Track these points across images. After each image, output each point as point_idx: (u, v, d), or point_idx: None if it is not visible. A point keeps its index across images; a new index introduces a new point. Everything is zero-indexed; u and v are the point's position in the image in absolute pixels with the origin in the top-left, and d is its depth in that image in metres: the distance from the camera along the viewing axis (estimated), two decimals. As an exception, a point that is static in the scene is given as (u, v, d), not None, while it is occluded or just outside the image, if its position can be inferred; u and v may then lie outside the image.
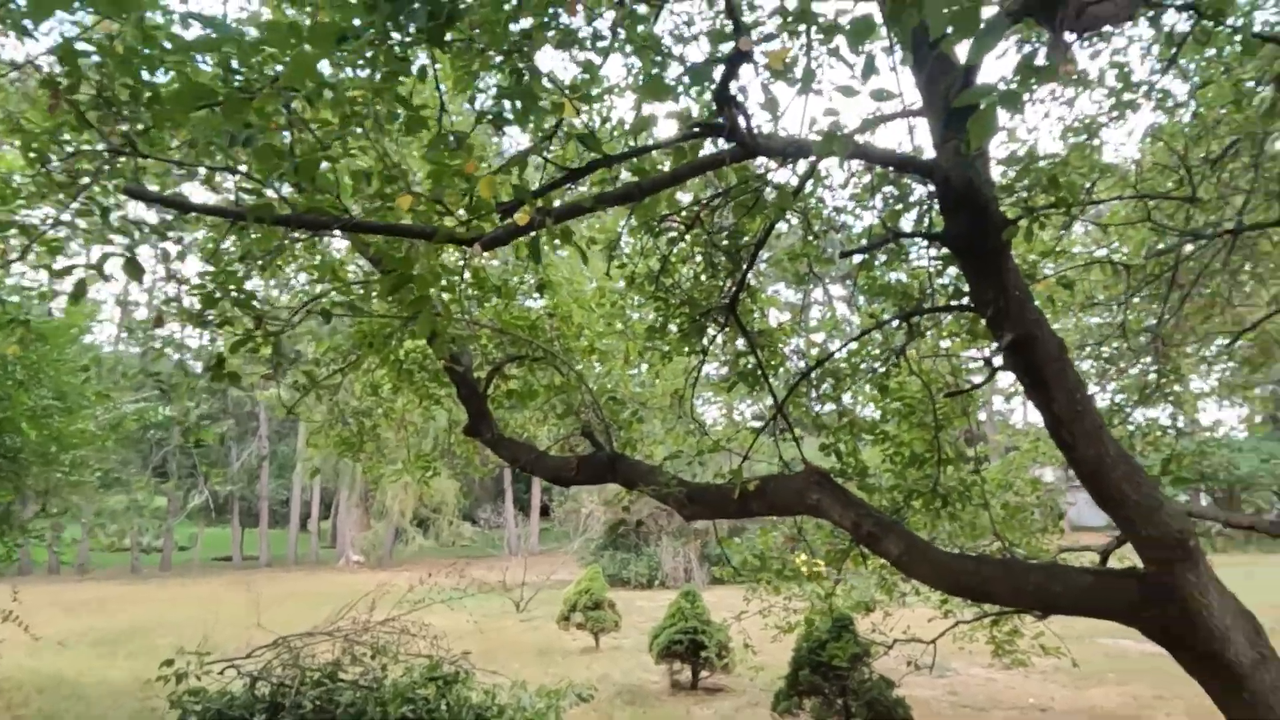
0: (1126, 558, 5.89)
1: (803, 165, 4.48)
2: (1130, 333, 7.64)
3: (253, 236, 3.66)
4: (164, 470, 42.16)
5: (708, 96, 2.81)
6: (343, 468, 37.11)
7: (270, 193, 2.88)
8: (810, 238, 4.97)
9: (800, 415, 5.63)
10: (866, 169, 4.74)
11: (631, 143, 3.37)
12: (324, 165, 2.81)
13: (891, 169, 4.18)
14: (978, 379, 5.39)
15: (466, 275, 5.53)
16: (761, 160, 4.61)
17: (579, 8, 2.75)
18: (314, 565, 42.07)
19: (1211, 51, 5.07)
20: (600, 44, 3.67)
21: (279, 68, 2.60)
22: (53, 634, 17.14)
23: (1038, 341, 3.90)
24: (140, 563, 41.26)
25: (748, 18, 3.08)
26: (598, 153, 2.85)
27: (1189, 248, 6.80)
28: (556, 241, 4.66)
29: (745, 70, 2.94)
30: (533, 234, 2.72)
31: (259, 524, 45.20)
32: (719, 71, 2.65)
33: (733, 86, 2.71)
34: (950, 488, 5.32)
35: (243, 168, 3.00)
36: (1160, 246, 5.78)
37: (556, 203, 3.12)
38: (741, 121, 2.80)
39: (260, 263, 3.97)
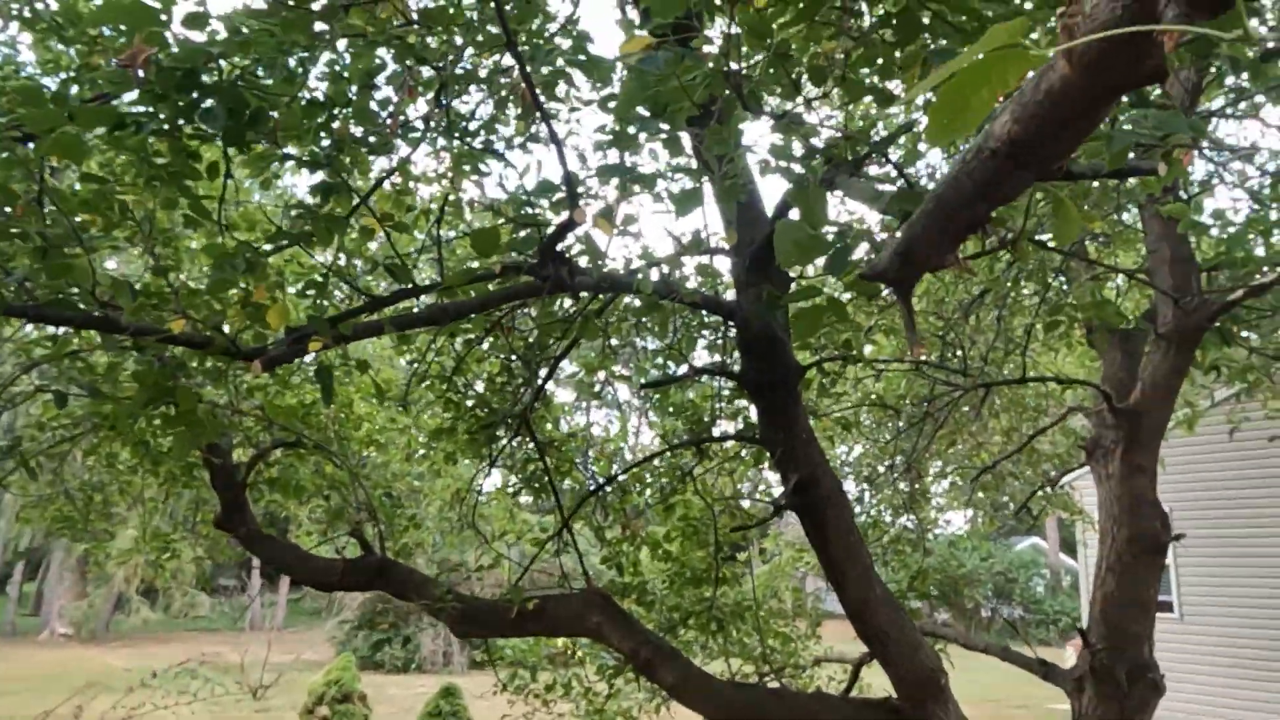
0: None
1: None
2: (889, 456, 8.25)
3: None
4: None
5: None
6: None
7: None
8: (609, 353, 4.97)
9: (586, 523, 5.55)
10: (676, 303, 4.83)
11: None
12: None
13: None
14: (759, 504, 5.57)
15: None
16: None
17: (398, 121, 2.59)
18: (10, 635, 36.42)
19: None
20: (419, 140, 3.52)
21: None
22: None
23: (819, 484, 4.07)
24: None
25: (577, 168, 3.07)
26: (405, 283, 2.67)
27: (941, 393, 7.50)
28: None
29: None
30: (319, 360, 2.47)
31: (-58, 586, 38.76)
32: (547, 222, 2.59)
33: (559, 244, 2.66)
34: (725, 609, 5.40)
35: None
36: (921, 391, 6.32)
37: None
38: (568, 274, 2.74)
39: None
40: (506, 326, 4.78)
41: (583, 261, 2.78)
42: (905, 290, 1.35)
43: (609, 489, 5.31)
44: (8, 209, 2.19)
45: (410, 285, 2.66)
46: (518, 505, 6.21)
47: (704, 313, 4.54)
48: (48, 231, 2.27)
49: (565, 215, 2.42)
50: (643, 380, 4.48)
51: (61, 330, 4.22)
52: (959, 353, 5.91)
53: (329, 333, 2.41)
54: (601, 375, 5.22)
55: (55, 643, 33.61)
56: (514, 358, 4.86)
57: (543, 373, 4.79)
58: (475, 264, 3.01)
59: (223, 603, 39.30)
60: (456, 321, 4.74)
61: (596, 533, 5.85)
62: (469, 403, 5.05)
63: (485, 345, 4.95)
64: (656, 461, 5.48)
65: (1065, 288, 6.09)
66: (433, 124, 2.81)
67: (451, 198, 3.51)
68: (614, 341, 4.90)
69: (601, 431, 5.71)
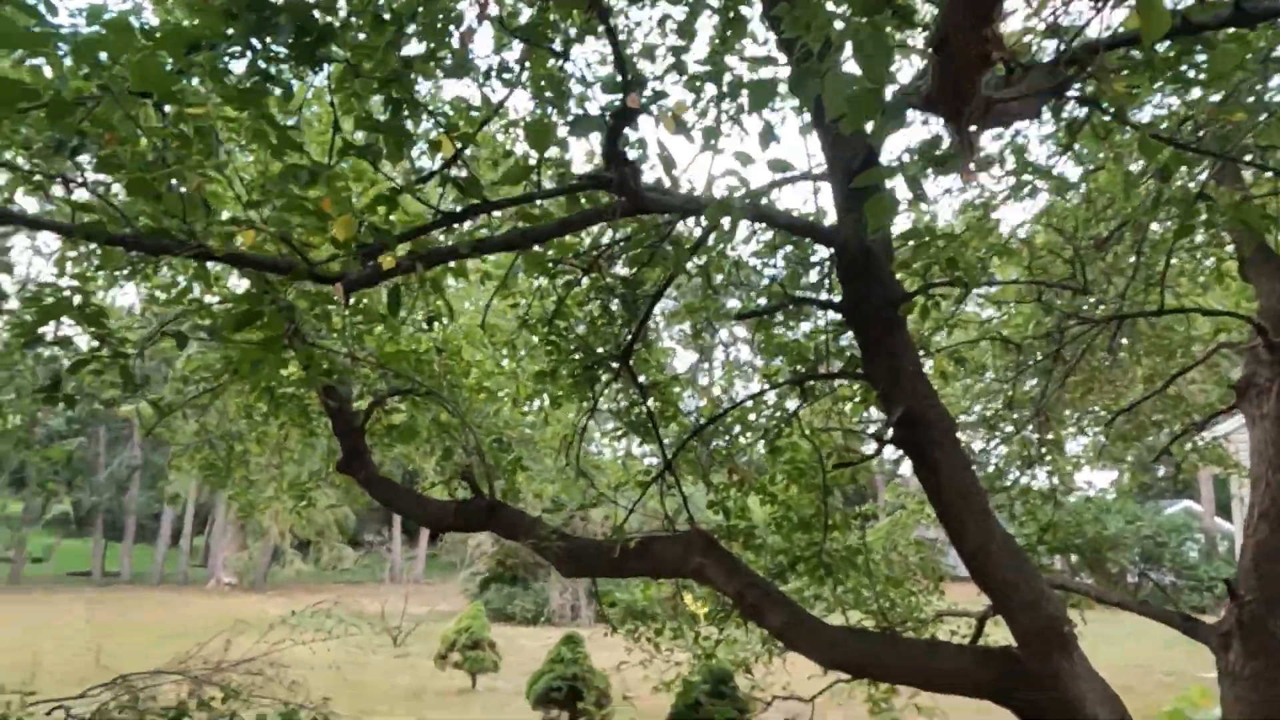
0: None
1: (705, 219, 4.37)
2: (1016, 403, 7.80)
3: (96, 253, 3.28)
4: (21, 475, 39.25)
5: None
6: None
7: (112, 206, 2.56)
8: (710, 292, 4.85)
9: (690, 470, 5.48)
10: (770, 226, 4.65)
11: (525, 187, 3.18)
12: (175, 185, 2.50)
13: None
14: (870, 447, 5.35)
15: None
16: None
17: (473, 39, 2.54)
18: (181, 585, 39.75)
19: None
20: (505, 76, 3.48)
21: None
22: None
23: (927, 420, 3.84)
24: (-14, 573, 38.21)
25: (647, 68, 2.94)
26: (476, 198, 2.63)
27: (1075, 329, 7.00)
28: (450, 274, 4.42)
29: (647, 122, 2.78)
30: (396, 280, 2.47)
31: (124, 538, 42.58)
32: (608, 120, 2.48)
33: (623, 141, 2.55)
34: (835, 554, 5.24)
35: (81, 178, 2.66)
36: (1047, 326, 5.89)
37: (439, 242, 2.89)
38: (632, 177, 2.64)
39: (104, 279, 3.57)
40: (604, 265, 4.73)
41: (656, 176, 2.68)
42: (955, 113, 1.19)
43: (712, 431, 5.21)
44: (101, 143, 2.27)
45: (481, 200, 2.63)
46: (629, 454, 6.20)
47: (808, 243, 4.36)
48: (142, 161, 2.35)
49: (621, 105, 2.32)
50: (736, 313, 4.34)
51: (181, 279, 4.42)
52: (1090, 288, 5.46)
53: (396, 247, 2.41)
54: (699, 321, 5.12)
55: (220, 591, 36.45)
56: (613, 297, 4.80)
57: (641, 315, 4.71)
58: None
59: (365, 555, 41.52)
60: (556, 264, 4.75)
61: (704, 478, 5.78)
62: (571, 346, 5.04)
63: (584, 284, 4.92)
64: (762, 404, 5.33)
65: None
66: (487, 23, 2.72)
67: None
68: (718, 278, 4.77)
69: (706, 376, 5.58)
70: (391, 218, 2.63)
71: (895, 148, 5.78)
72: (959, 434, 4.21)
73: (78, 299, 3.66)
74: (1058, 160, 4.86)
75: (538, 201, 3.09)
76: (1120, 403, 8.90)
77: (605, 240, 4.54)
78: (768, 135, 2.07)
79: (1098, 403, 8.63)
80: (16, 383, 7.07)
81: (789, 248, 4.42)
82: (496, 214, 3.05)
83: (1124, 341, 7.71)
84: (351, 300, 5.46)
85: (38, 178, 2.94)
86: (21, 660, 9.90)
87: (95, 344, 3.95)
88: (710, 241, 4.30)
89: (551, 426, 6.24)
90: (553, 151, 2.93)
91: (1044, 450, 7.61)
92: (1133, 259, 6.39)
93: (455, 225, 2.85)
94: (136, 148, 2.20)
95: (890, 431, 3.72)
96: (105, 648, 9.71)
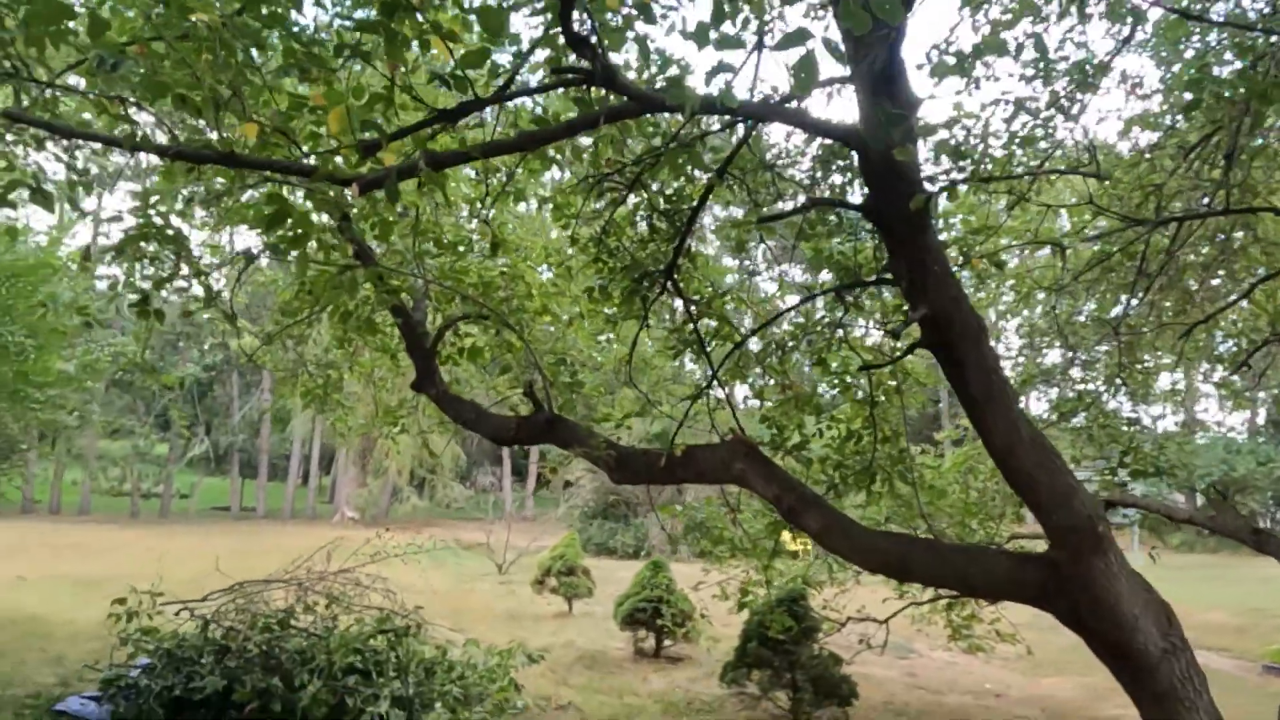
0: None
1: (740, 129, 4.43)
2: (1096, 321, 7.55)
3: (175, 172, 3.61)
4: (165, 418, 42.50)
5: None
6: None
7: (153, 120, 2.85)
8: (752, 203, 4.91)
9: (738, 382, 5.61)
10: (809, 138, 4.67)
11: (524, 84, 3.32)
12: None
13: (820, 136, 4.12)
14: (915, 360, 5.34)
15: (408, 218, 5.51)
16: (703, 123, 4.57)
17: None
18: (310, 519, 42.45)
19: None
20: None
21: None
22: (36, 574, 17.38)
23: (954, 320, 3.85)
24: (139, 508, 41.65)
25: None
26: (462, 93, 2.79)
27: (1159, 237, 6.71)
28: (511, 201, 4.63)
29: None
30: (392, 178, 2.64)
31: (258, 476, 45.60)
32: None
33: (582, 27, 2.66)
34: (881, 465, 5.29)
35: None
36: (1116, 230, 5.65)
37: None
38: (603, 68, 2.73)
39: (187, 203, 3.93)
40: (646, 181, 4.85)
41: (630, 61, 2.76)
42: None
43: (762, 347, 5.31)
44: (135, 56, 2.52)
45: (475, 97, 2.78)
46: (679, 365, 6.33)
47: (838, 147, 4.36)
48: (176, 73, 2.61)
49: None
50: (759, 217, 4.38)
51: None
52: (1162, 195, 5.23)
53: (385, 140, 2.61)
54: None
55: (343, 525, 38.73)
56: (657, 214, 4.92)
57: (683, 229, 4.82)
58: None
59: (475, 494, 43.28)
60: (599, 181, 4.91)
61: (758, 394, 5.90)
62: (621, 265, 5.20)
63: (631, 202, 5.06)
64: (809, 313, 5.37)
65: None
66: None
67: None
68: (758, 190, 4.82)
69: (756, 292, 5.64)
70: (389, 116, 2.81)
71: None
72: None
73: (158, 220, 4.04)
74: (1119, 54, 4.64)
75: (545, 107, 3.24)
76: (1222, 324, 8.50)
77: (647, 156, 4.64)
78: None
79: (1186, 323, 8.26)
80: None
81: (815, 152, 4.42)
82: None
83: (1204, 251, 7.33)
84: (409, 216, 5.78)
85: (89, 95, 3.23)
86: (169, 576, 10.88)
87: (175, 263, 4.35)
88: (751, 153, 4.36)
89: (619, 347, 6.45)
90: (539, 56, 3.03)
91: (1123, 373, 7.37)
92: (1222, 166, 6.08)
93: (454, 125, 3.03)
94: (162, 57, 2.45)
95: (912, 333, 3.75)
96: (236, 567, 10.61)
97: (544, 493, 47.84)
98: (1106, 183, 5.40)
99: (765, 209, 4.82)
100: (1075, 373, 8.20)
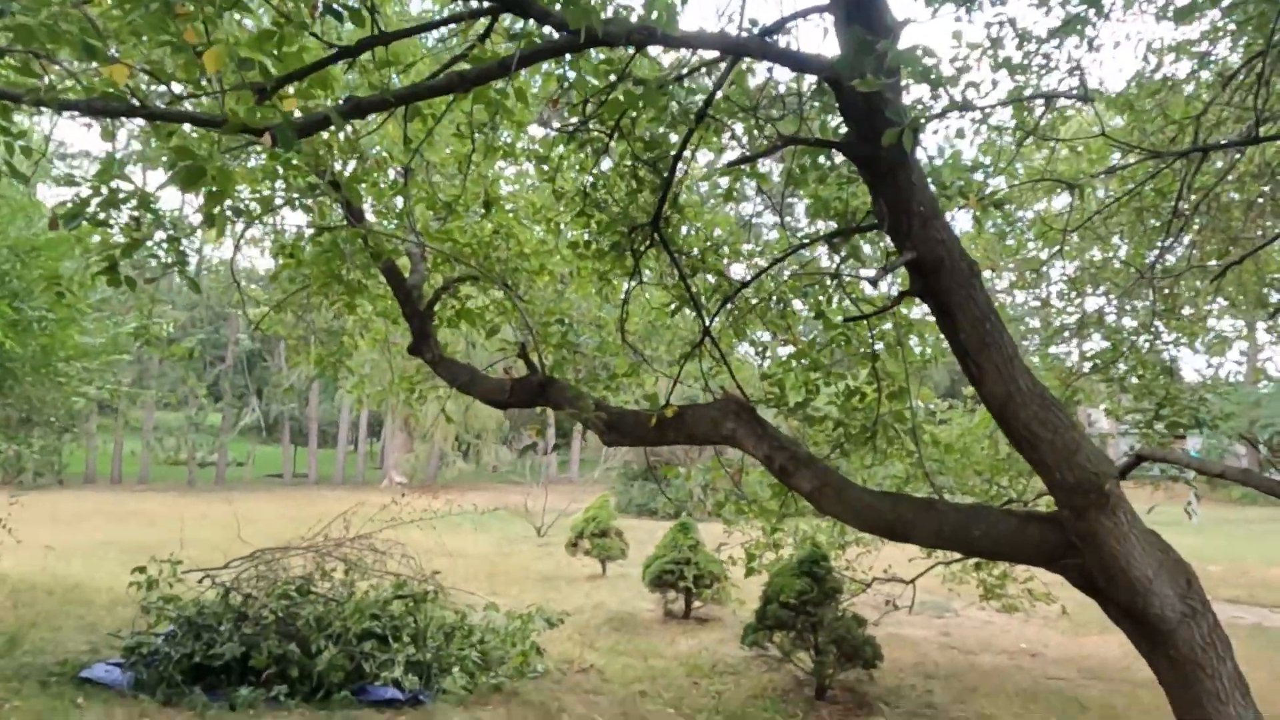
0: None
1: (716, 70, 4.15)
2: (1132, 266, 7.14)
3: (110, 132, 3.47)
4: (217, 390, 43.52)
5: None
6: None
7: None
8: (741, 148, 4.64)
9: (738, 336, 5.38)
10: (796, 78, 4.36)
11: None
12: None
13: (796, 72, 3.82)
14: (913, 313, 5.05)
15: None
16: (674, 62, 4.30)
17: None
18: (359, 485, 43.27)
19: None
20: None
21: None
22: (87, 541, 17.93)
23: (942, 264, 3.57)
24: (196, 477, 42.83)
25: None
26: (360, 26, 2.58)
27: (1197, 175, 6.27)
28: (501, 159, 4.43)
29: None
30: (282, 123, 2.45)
31: (308, 443, 46.55)
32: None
33: None
34: (886, 423, 5.03)
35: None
36: (1131, 164, 5.26)
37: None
38: None
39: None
40: (627, 129, 4.61)
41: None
42: None
43: (760, 299, 5.07)
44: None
45: (377, 33, 2.57)
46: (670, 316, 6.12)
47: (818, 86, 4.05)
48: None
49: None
50: (729, 164, 4.12)
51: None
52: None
53: (269, 80, 2.41)
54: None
55: (392, 489, 39.42)
56: (640, 163, 4.69)
57: (667, 177, 4.57)
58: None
59: (518, 459, 43.64)
60: (578, 128, 4.67)
61: (760, 352, 5.67)
62: (606, 218, 4.98)
63: (614, 152, 4.82)
64: (800, 262, 5.11)
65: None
66: None
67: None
68: (738, 130, 4.54)
69: (750, 242, 5.37)
70: (282, 53, 2.61)
71: None
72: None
73: (129, 186, 3.92)
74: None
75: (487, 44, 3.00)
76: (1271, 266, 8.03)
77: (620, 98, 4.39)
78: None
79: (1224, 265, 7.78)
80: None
81: (783, 88, 4.13)
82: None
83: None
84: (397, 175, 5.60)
85: None
86: (219, 542, 11.05)
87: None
88: (719, 95, 4.08)
89: (612, 301, 6.25)
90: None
91: (1161, 317, 6.96)
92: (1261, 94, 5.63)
93: (354, 60, 2.83)
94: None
95: (892, 279, 3.48)
96: (283, 531, 10.66)
97: (589, 455, 48.09)
98: (1130, 118, 4.99)
99: (754, 151, 4.53)
100: (1110, 319, 7.80)
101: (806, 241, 4.50)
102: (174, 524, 22.48)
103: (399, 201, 6.23)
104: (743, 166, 4.61)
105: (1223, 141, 4.65)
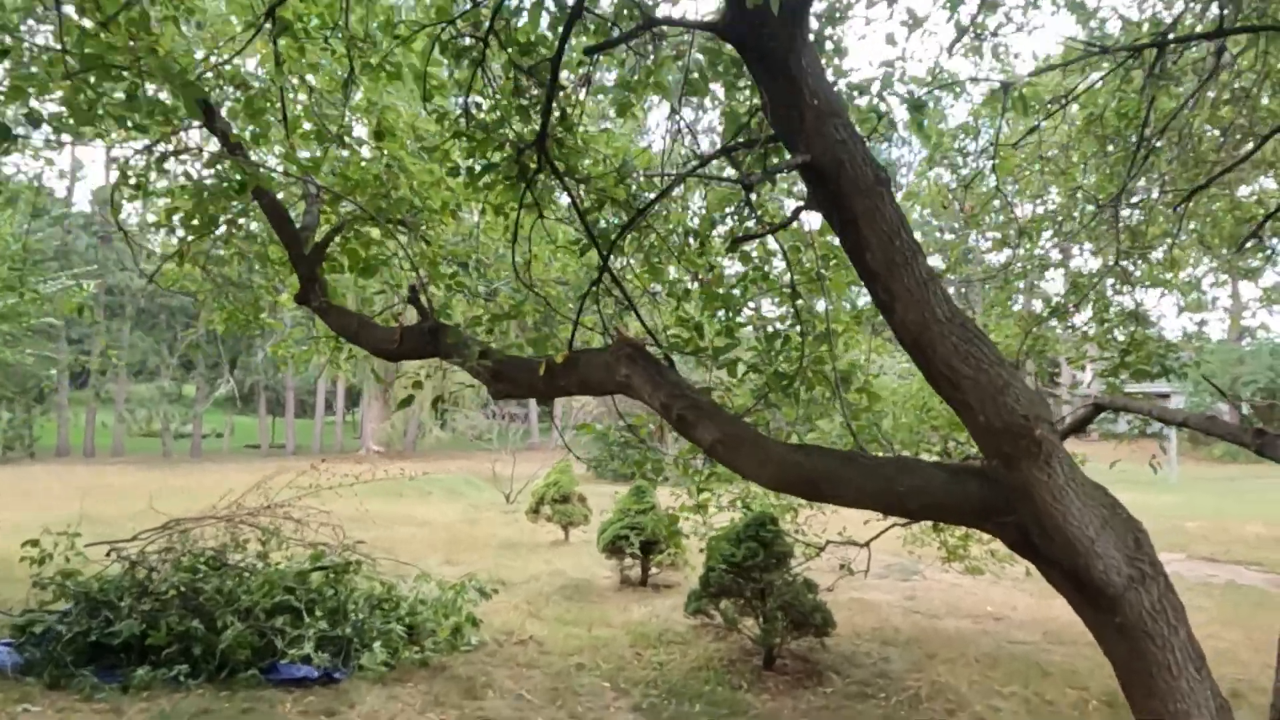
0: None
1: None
2: (1099, 198, 6.59)
3: None
4: (187, 360, 42.73)
5: None
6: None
7: None
8: (636, 55, 4.03)
9: (653, 276, 4.81)
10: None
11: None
12: None
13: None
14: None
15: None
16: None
17: None
18: (338, 453, 42.74)
19: None
20: None
21: None
22: (34, 518, 17.35)
23: (843, 168, 3.00)
24: (171, 448, 42.23)
25: None
26: None
27: (1165, 99, 5.70)
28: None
29: None
30: None
31: (285, 413, 45.96)
32: None
33: None
34: (812, 369, 4.48)
35: None
36: (1079, 59, 4.65)
37: None
38: None
39: None
40: (501, 31, 4.01)
41: None
42: None
43: (665, 228, 4.49)
44: None
45: None
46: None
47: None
48: None
49: None
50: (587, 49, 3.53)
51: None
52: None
53: None
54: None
55: (369, 458, 38.87)
56: (520, 73, 4.08)
57: (549, 86, 3.96)
58: None
59: (502, 426, 43.17)
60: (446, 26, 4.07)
61: (679, 293, 5.11)
62: (486, 136, 4.37)
63: (492, 61, 4.22)
64: (731, 198, 4.53)
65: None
66: None
67: None
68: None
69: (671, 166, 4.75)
70: None
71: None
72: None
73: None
74: None
75: None
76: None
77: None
78: None
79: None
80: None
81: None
82: None
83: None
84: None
85: None
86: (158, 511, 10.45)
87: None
88: None
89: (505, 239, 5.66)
90: None
91: (1126, 256, 6.42)
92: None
93: None
94: None
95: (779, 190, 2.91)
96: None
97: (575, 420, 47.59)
98: (1080, 18, 4.40)
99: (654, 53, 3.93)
100: (1075, 264, 7.27)
101: (705, 158, 3.90)
102: (136, 497, 21.93)
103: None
104: (611, 52, 4.01)
105: (1181, 36, 4.06)
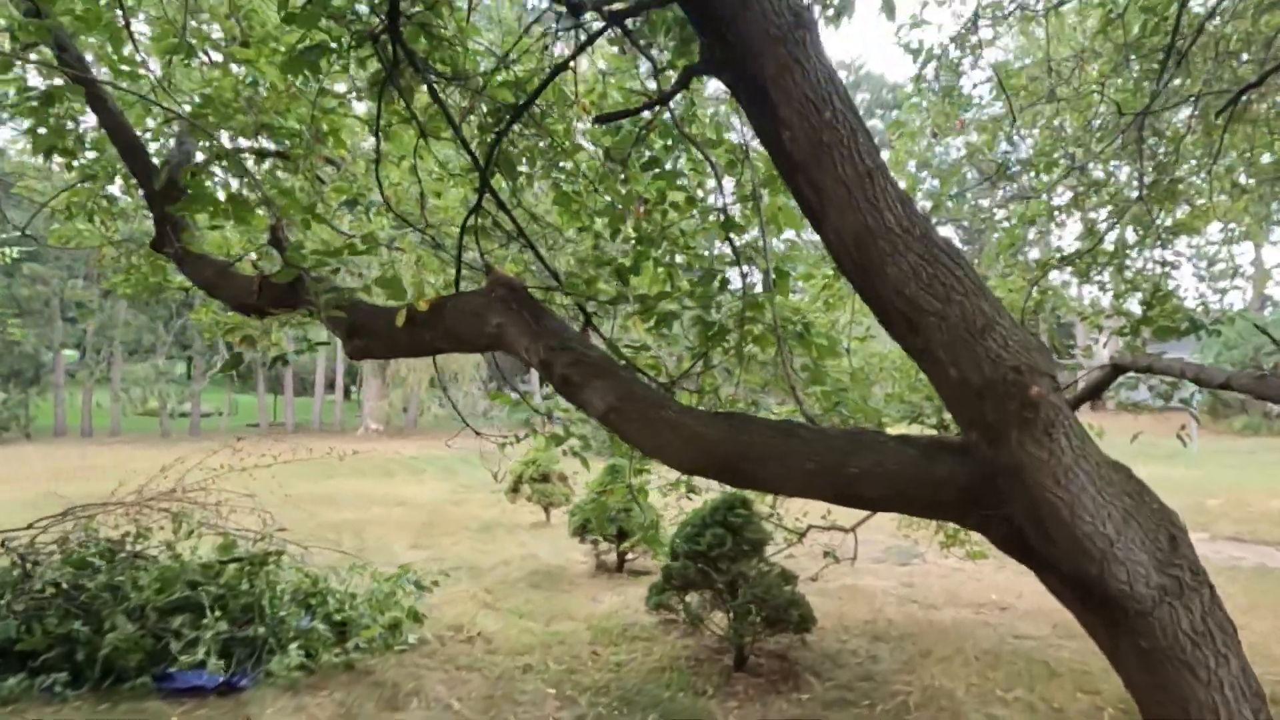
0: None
1: None
2: (1122, 111, 5.57)
3: None
4: (184, 339, 42.04)
5: None
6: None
7: None
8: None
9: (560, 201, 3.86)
10: None
11: None
12: None
13: None
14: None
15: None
16: None
17: None
18: (338, 432, 42.11)
19: None
20: None
21: None
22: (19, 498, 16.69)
23: (751, 33, 2.04)
24: (170, 428, 41.68)
25: None
26: None
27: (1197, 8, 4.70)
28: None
29: None
30: None
31: (284, 391, 45.33)
32: None
33: None
34: (753, 321, 3.53)
35: None
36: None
37: None
38: None
39: None
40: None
41: None
42: None
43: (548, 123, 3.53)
44: None
45: None
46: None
47: None
48: None
49: None
50: None
51: None
52: None
53: None
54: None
55: (368, 436, 38.19)
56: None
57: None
58: None
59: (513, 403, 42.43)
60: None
61: (600, 231, 4.16)
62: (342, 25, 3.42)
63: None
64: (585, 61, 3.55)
65: None
66: None
67: None
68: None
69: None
70: None
71: None
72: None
73: None
74: None
75: None
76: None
77: None
78: None
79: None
80: None
81: None
82: None
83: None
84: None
85: None
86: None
87: None
88: None
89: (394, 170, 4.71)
90: None
91: (1152, 189, 5.42)
92: None
93: None
94: None
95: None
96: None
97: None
98: None
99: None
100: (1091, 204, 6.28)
101: (596, 34, 2.93)
102: (118, 476, 21.25)
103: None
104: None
105: None
